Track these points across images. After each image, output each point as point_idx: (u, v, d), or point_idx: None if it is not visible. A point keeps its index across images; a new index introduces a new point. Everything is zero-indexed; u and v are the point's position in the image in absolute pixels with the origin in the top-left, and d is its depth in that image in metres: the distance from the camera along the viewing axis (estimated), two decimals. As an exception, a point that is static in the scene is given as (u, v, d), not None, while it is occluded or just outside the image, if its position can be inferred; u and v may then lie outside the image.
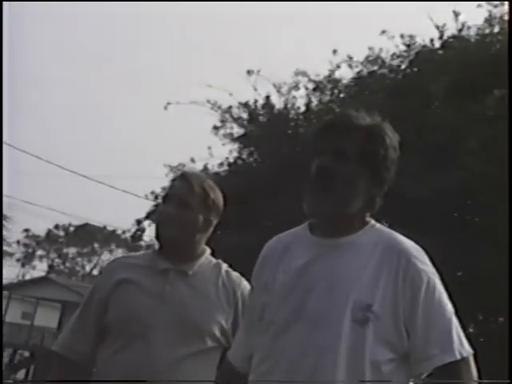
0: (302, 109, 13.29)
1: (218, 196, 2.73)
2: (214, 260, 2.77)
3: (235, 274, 2.75)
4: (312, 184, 2.01)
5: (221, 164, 13.53)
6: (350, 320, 1.91)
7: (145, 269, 2.68)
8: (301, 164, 11.37)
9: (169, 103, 13.55)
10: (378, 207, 2.06)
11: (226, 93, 13.21)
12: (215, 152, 13.58)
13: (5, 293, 37.35)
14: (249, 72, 13.07)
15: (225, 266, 2.76)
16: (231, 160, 13.61)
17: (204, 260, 2.73)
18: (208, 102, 13.30)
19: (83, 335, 2.69)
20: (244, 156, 13.72)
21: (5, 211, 18.11)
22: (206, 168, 13.52)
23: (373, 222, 2.08)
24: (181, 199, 2.65)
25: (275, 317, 2.01)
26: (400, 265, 1.95)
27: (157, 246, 2.76)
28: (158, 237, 2.73)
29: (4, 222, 17.86)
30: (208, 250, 2.77)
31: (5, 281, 37.85)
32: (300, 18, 79.02)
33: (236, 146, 13.64)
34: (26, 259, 58.92)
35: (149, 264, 2.69)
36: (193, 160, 13.49)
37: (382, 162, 2.04)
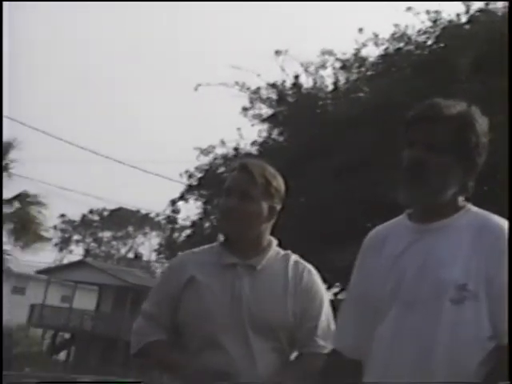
0: (330, 88, 13.36)
1: (279, 182, 2.66)
2: (282, 251, 2.68)
3: (304, 265, 2.67)
4: (406, 175, 2.06)
5: (253, 143, 13.66)
6: (446, 300, 1.93)
7: (212, 265, 2.61)
8: (330, 142, 11.46)
9: (199, 85, 13.70)
10: (471, 190, 2.08)
11: (254, 74, 13.32)
12: (245, 133, 13.73)
13: (44, 277, 38.02)
14: (277, 52, 13.14)
15: (294, 257, 2.68)
16: (261, 140, 13.74)
17: (272, 252, 2.64)
18: (236, 83, 13.43)
19: (159, 327, 2.62)
20: (274, 136, 13.84)
21: (41, 197, 18.40)
22: (237, 149, 13.68)
23: (469, 205, 2.09)
24: (243, 191, 2.57)
25: (376, 303, 2.04)
26: (489, 242, 1.98)
27: (222, 239, 2.69)
28: (222, 231, 2.69)
29: (41, 208, 18.15)
30: (275, 242, 2.68)
31: (43, 265, 38.51)
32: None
33: (265, 126, 13.77)
34: (63, 244, 59.76)
35: (216, 259, 2.62)
36: (223, 142, 13.65)
37: (474, 149, 2.06)
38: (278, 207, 2.66)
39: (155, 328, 2.62)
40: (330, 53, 13.13)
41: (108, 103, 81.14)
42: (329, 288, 13.17)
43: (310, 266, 2.68)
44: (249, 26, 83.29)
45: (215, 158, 13.82)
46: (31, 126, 24.32)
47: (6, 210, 17.81)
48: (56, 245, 56.74)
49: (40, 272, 38.05)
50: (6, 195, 17.97)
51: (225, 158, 13.71)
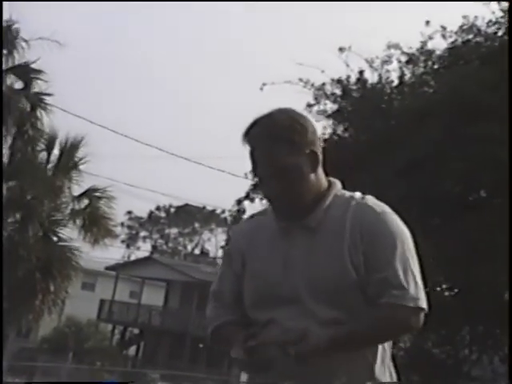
0: (395, 82, 13.18)
1: (299, 125, 2.23)
2: (347, 194, 2.30)
3: (368, 205, 2.24)
4: None
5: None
6: None
7: (267, 230, 2.30)
8: (395, 137, 11.27)
9: (264, 84, 13.67)
10: None
11: (319, 70, 13.23)
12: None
13: (112, 273, 38.71)
14: (341, 49, 13.03)
15: (358, 198, 2.27)
16: (326, 136, 13.66)
17: (332, 200, 2.25)
18: (300, 80, 13.36)
19: (225, 307, 2.38)
20: (339, 132, 13.74)
21: (109, 191, 18.63)
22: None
23: None
24: (272, 169, 2.21)
25: None
26: None
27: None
28: (276, 213, 2.31)
29: (109, 202, 18.41)
30: (336, 185, 2.31)
31: (112, 262, 39.20)
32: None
33: (330, 122, 13.67)
34: (131, 240, 60.73)
35: (269, 225, 2.31)
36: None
37: None
38: (315, 147, 2.25)
39: (221, 309, 2.38)
40: (396, 46, 12.95)
41: (174, 101, 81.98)
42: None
43: (378, 205, 2.25)
44: (312, 21, 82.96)
45: (280, 155, 13.80)
46: (99, 124, 24.76)
47: (76, 206, 18.17)
48: (123, 241, 57.69)
49: (109, 268, 38.74)
50: (76, 192, 18.33)
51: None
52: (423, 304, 2.17)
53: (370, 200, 2.28)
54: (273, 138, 2.20)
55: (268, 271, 2.25)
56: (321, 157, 2.26)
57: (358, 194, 2.30)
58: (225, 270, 2.43)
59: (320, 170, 2.27)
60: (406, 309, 2.14)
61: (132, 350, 37.80)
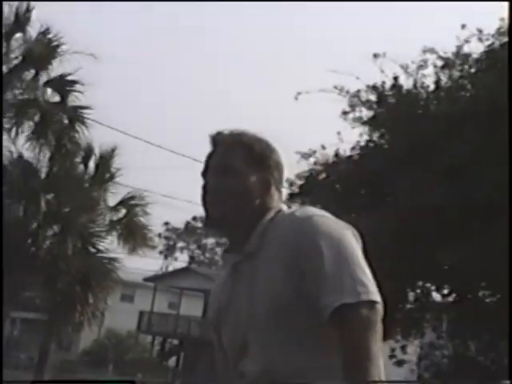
0: (432, 87, 13.06)
1: (275, 154, 2.20)
2: (286, 213, 2.13)
3: (303, 219, 2.02)
4: None
5: (353, 148, 13.54)
6: None
7: (225, 272, 2.22)
8: (432, 142, 11.17)
9: (299, 93, 13.64)
10: None
11: (353, 77, 13.16)
12: (345, 137, 13.57)
13: (151, 284, 38.89)
14: (375, 55, 12.96)
15: (288, 214, 2.10)
16: (362, 143, 13.59)
17: (267, 224, 2.09)
18: (335, 87, 13.31)
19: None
20: (375, 138, 13.65)
21: (145, 198, 18.67)
22: (337, 153, 13.56)
23: None
24: (221, 166, 2.14)
25: None
26: None
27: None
28: (208, 221, 2.21)
29: (146, 208, 18.44)
30: (274, 211, 2.13)
31: (150, 273, 39.40)
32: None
33: (366, 129, 13.59)
34: (168, 251, 60.93)
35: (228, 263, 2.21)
36: (323, 146, 13.56)
37: None
38: (272, 177, 2.15)
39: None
40: (432, 51, 12.83)
41: (206, 109, 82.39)
42: (437, 290, 12.81)
43: (304, 212, 2.07)
44: (347, 28, 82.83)
45: (315, 163, 13.73)
46: (133, 135, 24.96)
47: (113, 217, 18.26)
48: (161, 252, 57.87)
49: (147, 279, 38.91)
50: (112, 203, 18.43)
51: (325, 164, 13.60)
52: (369, 296, 1.90)
53: (300, 210, 2.13)
54: (236, 144, 2.18)
55: (215, 316, 2.18)
56: (273, 191, 2.16)
57: (292, 209, 2.17)
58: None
59: (268, 201, 2.13)
60: (349, 307, 1.89)
61: (172, 360, 37.91)
